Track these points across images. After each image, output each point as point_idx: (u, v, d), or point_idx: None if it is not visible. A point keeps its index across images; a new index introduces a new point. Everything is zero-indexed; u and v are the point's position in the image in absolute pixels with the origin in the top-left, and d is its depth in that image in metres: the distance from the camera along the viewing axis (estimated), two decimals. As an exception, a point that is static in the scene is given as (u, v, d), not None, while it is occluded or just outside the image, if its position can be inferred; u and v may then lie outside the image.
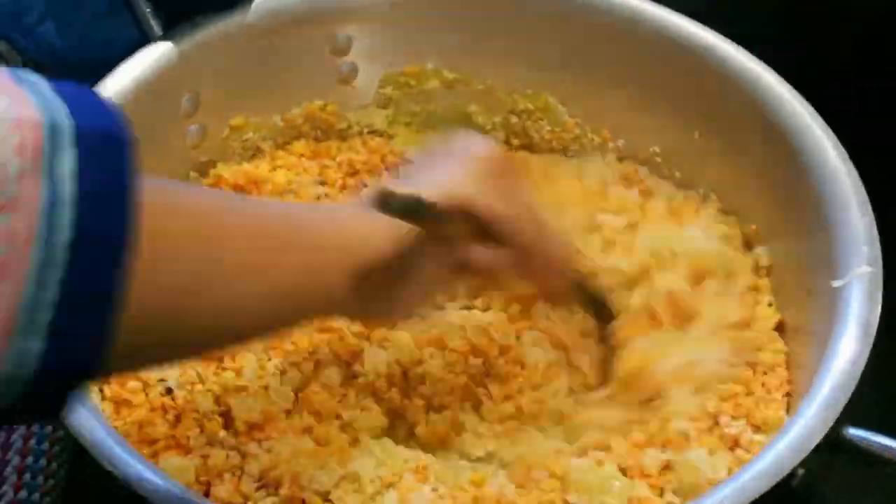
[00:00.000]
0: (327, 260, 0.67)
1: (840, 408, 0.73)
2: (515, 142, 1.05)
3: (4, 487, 0.90)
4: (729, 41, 0.94)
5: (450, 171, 0.73)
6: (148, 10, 0.95)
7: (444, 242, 0.73)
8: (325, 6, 0.99)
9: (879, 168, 0.85)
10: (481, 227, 0.74)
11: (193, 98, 0.95)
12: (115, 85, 0.90)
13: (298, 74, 1.00)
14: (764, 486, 0.70)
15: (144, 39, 0.94)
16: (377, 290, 0.70)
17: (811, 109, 0.89)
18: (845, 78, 1.02)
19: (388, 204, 0.68)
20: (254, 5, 0.96)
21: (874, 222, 0.82)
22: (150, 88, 0.91)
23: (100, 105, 0.53)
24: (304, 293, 0.67)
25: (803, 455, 0.71)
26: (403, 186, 0.70)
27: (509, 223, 0.74)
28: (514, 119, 1.04)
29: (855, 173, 0.85)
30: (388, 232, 0.69)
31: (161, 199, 0.56)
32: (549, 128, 1.03)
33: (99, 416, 0.73)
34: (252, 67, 0.98)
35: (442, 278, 0.75)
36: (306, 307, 0.69)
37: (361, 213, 0.70)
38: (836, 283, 0.80)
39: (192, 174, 0.98)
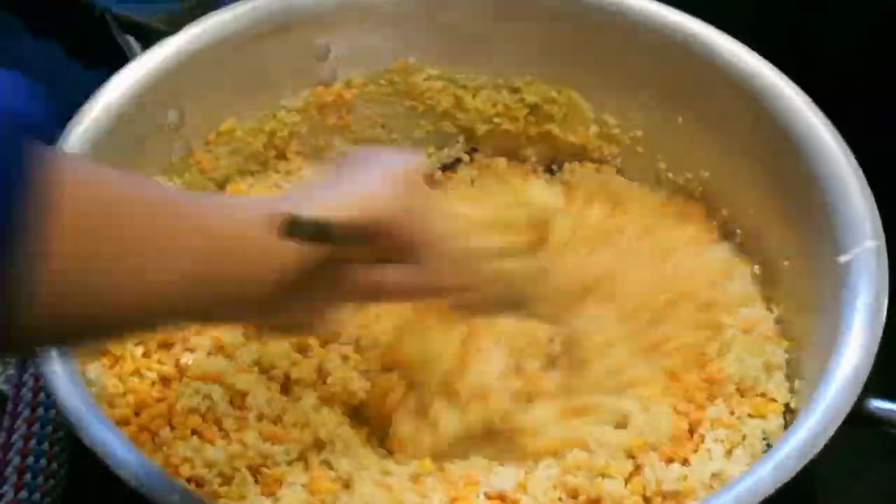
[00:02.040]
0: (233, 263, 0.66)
1: (863, 381, 0.75)
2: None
3: (5, 488, 0.90)
4: (712, 27, 0.96)
5: (365, 184, 0.72)
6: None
7: (349, 262, 0.72)
8: (302, 14, 0.99)
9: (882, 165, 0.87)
10: (390, 248, 0.73)
11: (179, 112, 0.96)
12: (102, 101, 0.90)
13: (280, 83, 1.01)
14: (796, 465, 0.72)
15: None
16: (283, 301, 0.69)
17: (798, 89, 0.91)
18: (846, 76, 1.04)
19: (295, 228, 0.65)
20: (234, 15, 0.97)
21: (873, 197, 0.85)
22: (133, 104, 0.92)
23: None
24: (211, 286, 0.65)
25: (834, 428, 0.73)
26: (311, 207, 0.68)
27: (420, 247, 0.74)
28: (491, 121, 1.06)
29: (848, 150, 0.87)
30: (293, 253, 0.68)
31: (69, 176, 0.57)
32: (534, 120, 1.05)
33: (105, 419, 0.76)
34: (237, 77, 0.98)
35: (345, 295, 0.74)
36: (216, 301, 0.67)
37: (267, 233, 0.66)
38: (842, 259, 0.82)
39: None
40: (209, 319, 0.76)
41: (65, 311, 0.57)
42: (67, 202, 0.55)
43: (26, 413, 0.94)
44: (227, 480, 0.83)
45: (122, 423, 0.85)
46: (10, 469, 0.91)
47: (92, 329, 0.62)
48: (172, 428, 0.86)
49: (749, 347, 0.91)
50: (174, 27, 0.96)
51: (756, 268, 0.96)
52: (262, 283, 0.67)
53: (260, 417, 0.86)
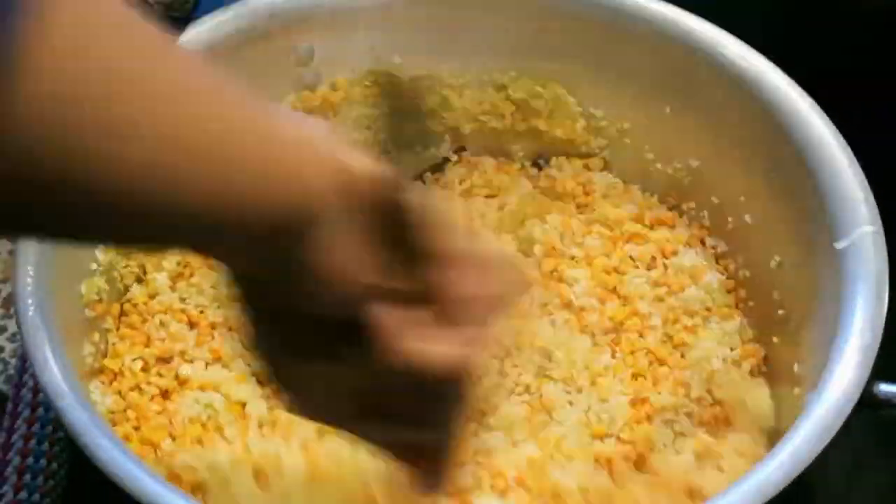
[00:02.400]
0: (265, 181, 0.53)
1: (871, 364, 0.76)
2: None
3: (5, 488, 0.90)
4: (694, 15, 0.96)
5: None
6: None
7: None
8: (283, 19, 0.99)
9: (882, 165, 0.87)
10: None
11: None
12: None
13: (264, 88, 0.98)
14: (810, 453, 0.72)
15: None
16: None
17: (785, 76, 0.92)
18: (845, 76, 1.04)
19: None
20: (215, 23, 0.97)
21: (867, 183, 0.85)
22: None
23: None
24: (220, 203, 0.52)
25: (846, 414, 0.74)
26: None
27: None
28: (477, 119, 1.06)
29: (839, 135, 0.87)
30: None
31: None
32: (520, 116, 1.05)
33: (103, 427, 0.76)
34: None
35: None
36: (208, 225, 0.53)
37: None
38: (839, 245, 0.83)
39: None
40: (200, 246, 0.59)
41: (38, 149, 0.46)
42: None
43: (26, 413, 0.94)
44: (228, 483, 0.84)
45: (125, 439, 0.85)
46: (9, 469, 0.91)
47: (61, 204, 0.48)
48: (174, 439, 0.86)
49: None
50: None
51: (741, 258, 0.97)
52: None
53: (261, 423, 0.87)
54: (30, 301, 0.80)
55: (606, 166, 1.03)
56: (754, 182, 0.94)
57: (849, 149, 0.87)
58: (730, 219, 0.97)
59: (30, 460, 0.91)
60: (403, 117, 1.05)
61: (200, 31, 0.96)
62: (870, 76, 1.06)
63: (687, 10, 0.96)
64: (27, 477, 0.91)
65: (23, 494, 0.90)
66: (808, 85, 0.91)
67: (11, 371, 0.98)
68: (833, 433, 0.73)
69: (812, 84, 0.91)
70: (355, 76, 1.02)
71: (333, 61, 1.01)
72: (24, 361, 0.97)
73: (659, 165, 1.01)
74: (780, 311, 0.91)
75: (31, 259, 0.82)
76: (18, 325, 0.80)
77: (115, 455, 0.73)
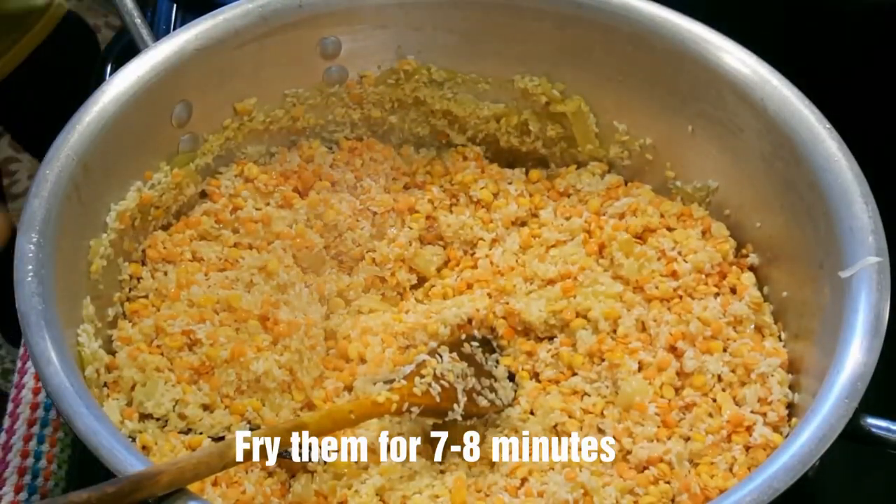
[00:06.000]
0: None
1: (859, 398, 0.74)
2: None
3: (5, 489, 0.91)
4: (717, 33, 0.94)
5: None
6: (138, 20, 0.96)
7: None
8: (308, 12, 0.98)
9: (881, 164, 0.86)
10: None
11: (186, 106, 0.95)
12: (112, 92, 0.90)
13: (286, 79, 1.01)
14: (792, 476, 0.71)
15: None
16: None
17: (808, 102, 0.90)
18: (845, 76, 1.03)
19: None
20: (242, 11, 0.96)
21: (878, 212, 0.83)
22: (143, 97, 0.91)
23: None
24: None
25: (827, 445, 0.72)
26: None
27: None
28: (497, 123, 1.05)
29: (855, 163, 0.86)
30: None
31: None
32: (539, 124, 1.04)
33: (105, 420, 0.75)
34: (243, 74, 0.98)
35: None
36: None
37: None
38: (844, 274, 0.81)
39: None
40: None
41: None
42: None
43: (26, 413, 0.94)
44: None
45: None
46: (9, 470, 0.92)
47: None
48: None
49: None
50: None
51: (749, 274, 0.95)
52: None
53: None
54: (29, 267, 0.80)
55: (627, 181, 1.02)
56: (769, 206, 0.93)
57: (863, 177, 0.85)
58: (749, 244, 0.96)
59: (30, 461, 0.92)
60: (423, 117, 1.04)
61: (227, 17, 0.95)
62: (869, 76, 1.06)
63: (680, 10, 0.95)
64: (27, 477, 0.91)
65: (23, 495, 0.90)
66: (809, 85, 0.90)
67: (11, 371, 0.98)
68: (809, 465, 0.72)
69: (813, 84, 0.90)
70: (377, 74, 1.02)
71: (359, 57, 1.01)
72: (24, 362, 0.97)
73: (678, 183, 0.99)
74: (783, 335, 0.90)
75: (36, 224, 0.82)
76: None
77: (91, 424, 0.74)
